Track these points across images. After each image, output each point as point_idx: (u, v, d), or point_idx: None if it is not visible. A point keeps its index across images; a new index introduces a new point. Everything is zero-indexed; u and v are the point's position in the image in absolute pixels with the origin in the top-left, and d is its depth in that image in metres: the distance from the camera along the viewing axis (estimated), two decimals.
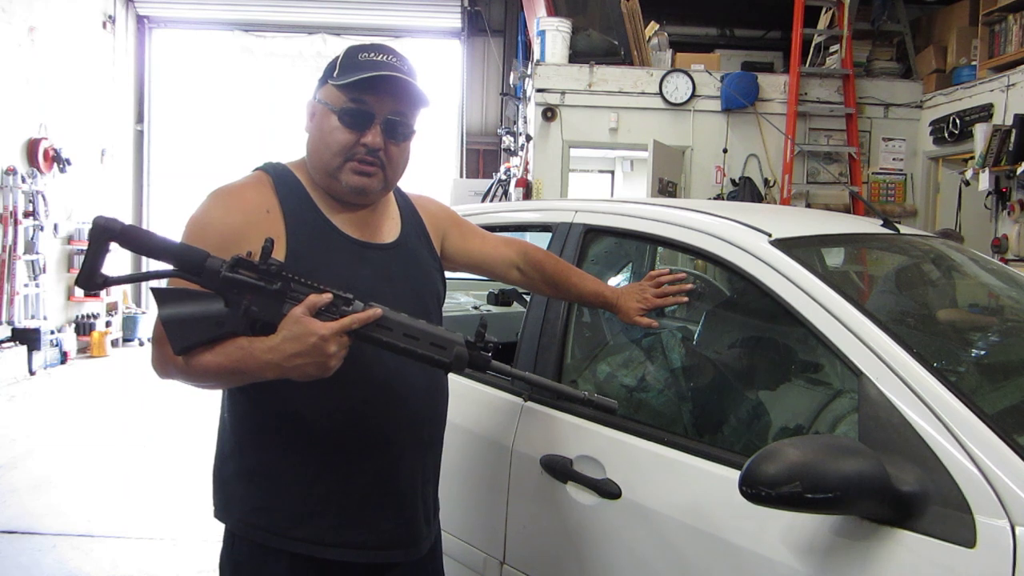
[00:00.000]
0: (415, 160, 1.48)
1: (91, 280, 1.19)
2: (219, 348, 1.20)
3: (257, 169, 1.42)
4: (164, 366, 1.28)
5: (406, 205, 1.55)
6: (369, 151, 1.34)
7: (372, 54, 1.33)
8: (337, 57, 1.37)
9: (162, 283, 1.27)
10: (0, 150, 7.19)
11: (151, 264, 1.23)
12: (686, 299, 1.76)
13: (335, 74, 1.33)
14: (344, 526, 1.34)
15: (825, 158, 6.94)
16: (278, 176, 1.38)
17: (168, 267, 1.20)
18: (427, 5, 9.75)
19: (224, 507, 1.39)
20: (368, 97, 1.32)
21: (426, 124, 1.47)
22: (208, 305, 1.20)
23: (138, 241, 1.19)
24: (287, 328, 1.16)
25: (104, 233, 1.16)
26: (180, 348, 1.20)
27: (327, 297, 1.19)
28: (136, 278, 1.32)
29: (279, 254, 1.29)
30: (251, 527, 1.34)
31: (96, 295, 8.44)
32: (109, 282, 1.20)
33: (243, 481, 1.36)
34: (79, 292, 8.40)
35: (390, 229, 1.47)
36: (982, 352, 1.87)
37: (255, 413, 1.36)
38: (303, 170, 1.41)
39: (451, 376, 1.49)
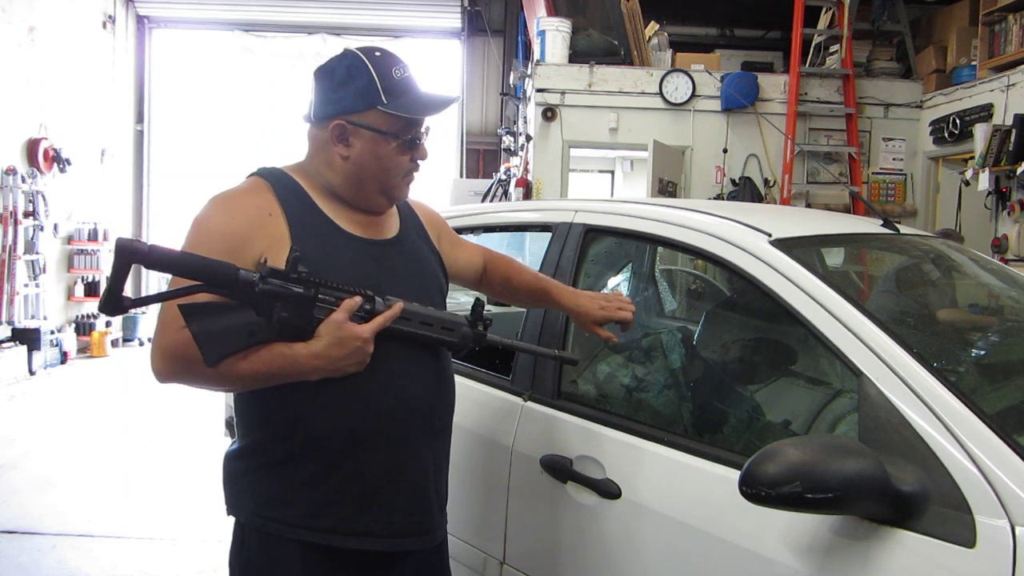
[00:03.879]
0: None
1: (117, 305, 1.16)
2: (254, 356, 1.23)
3: (252, 175, 1.43)
4: (173, 372, 1.27)
5: (403, 205, 1.59)
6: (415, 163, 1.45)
7: (400, 70, 1.39)
8: (364, 72, 1.35)
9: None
10: (0, 150, 7.19)
11: (150, 276, 1.21)
12: (631, 320, 1.65)
13: (384, 99, 1.35)
14: (360, 515, 1.37)
15: (825, 158, 6.93)
16: (276, 180, 1.40)
17: (190, 283, 1.19)
18: (427, 5, 9.74)
19: (235, 502, 1.41)
20: (417, 120, 1.41)
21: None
22: (238, 316, 1.21)
23: (165, 261, 1.17)
24: (330, 334, 1.24)
25: (132, 256, 1.14)
26: (214, 360, 1.21)
27: (359, 300, 1.27)
28: (161, 297, 1.26)
29: (284, 254, 1.29)
30: (265, 519, 1.36)
31: (96, 295, 8.45)
32: (134, 304, 1.18)
33: (257, 475, 1.38)
34: (79, 292, 8.41)
35: (390, 226, 1.52)
36: (982, 352, 1.87)
37: (269, 411, 1.37)
38: (301, 173, 1.43)
39: None
